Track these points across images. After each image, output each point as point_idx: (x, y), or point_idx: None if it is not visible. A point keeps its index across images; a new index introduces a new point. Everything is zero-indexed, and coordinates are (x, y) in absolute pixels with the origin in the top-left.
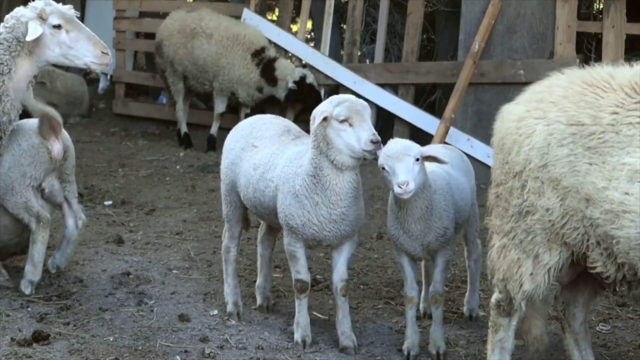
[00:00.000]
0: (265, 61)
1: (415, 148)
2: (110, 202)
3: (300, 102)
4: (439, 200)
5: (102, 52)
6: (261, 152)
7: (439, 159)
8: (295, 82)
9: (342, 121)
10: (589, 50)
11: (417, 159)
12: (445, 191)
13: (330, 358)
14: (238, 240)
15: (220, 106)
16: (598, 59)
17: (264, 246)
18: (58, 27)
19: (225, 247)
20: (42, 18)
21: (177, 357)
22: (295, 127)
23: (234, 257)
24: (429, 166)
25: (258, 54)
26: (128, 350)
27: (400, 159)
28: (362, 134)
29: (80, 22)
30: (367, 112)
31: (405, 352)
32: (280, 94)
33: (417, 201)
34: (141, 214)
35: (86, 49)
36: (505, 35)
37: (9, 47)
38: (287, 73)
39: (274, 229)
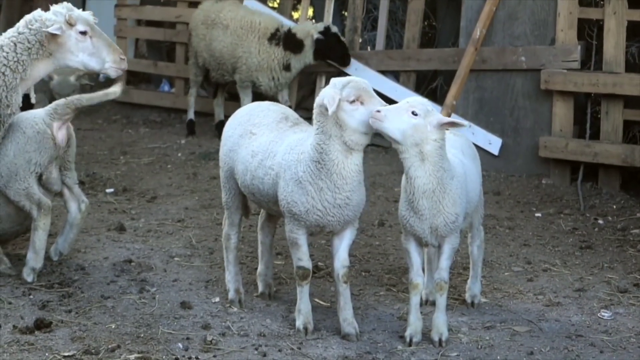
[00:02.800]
0: (282, 36)
1: (419, 106)
2: (111, 190)
3: (328, 56)
4: (456, 186)
5: (120, 57)
6: (259, 140)
7: (457, 122)
8: (320, 32)
9: (352, 101)
10: (590, 36)
11: (415, 113)
12: (462, 180)
13: (332, 345)
14: (238, 228)
15: (245, 100)
16: (599, 45)
17: (265, 233)
18: (84, 33)
19: (226, 234)
20: (69, 24)
21: (179, 344)
22: (293, 114)
23: (235, 244)
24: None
25: (274, 36)
26: (130, 338)
27: (400, 103)
28: (374, 108)
29: (98, 28)
30: (371, 88)
31: (408, 339)
32: (309, 55)
33: (418, 172)
34: (143, 201)
35: (106, 54)
36: (507, 22)
37: (30, 48)
38: (309, 29)
39: (274, 216)
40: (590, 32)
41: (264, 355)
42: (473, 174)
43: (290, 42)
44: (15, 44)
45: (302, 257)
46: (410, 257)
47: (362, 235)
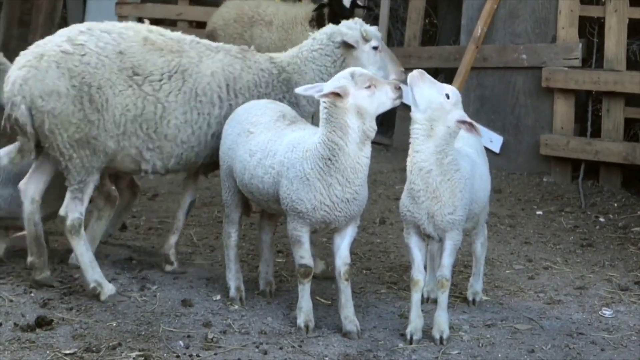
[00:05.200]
0: (317, 15)
1: (454, 94)
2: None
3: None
4: (459, 179)
5: (401, 70)
6: (257, 138)
7: (475, 127)
8: None
9: (368, 87)
10: (591, 34)
11: (447, 96)
12: (468, 177)
13: (332, 342)
14: (239, 225)
15: None
16: (600, 43)
17: (265, 231)
18: (376, 48)
19: (226, 232)
20: (365, 39)
21: (180, 342)
22: (290, 112)
23: (235, 241)
24: (460, 147)
25: (312, 19)
26: (131, 335)
27: (431, 83)
28: (386, 88)
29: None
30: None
31: (408, 336)
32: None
33: (421, 147)
34: (144, 199)
35: (391, 67)
36: (508, 20)
37: (335, 61)
38: None
39: (274, 215)
40: (591, 30)
41: (265, 353)
42: (484, 175)
43: (318, 15)
44: (326, 55)
45: (304, 255)
46: (411, 253)
47: (363, 233)
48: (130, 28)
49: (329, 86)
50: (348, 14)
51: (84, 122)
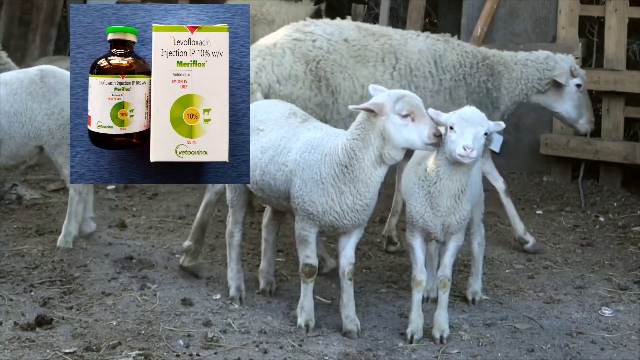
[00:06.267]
0: (316, 11)
1: (488, 123)
2: (112, 187)
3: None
4: (469, 183)
5: (592, 120)
6: (269, 135)
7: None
8: None
9: (404, 116)
10: (591, 34)
11: (486, 134)
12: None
13: (332, 342)
14: (242, 225)
15: None
16: (600, 43)
17: (269, 231)
18: (579, 86)
19: (229, 231)
20: (572, 74)
21: (180, 341)
22: (299, 110)
23: (238, 241)
24: None
25: (311, 17)
26: (131, 335)
27: (474, 126)
28: (424, 128)
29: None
30: (423, 106)
31: (409, 336)
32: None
33: (462, 177)
34: (144, 198)
35: (585, 111)
36: (508, 19)
37: (541, 80)
38: None
39: (279, 214)
40: (591, 30)
41: (265, 352)
42: (474, 171)
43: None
44: (537, 70)
45: (310, 255)
46: (414, 253)
47: (363, 232)
48: (339, 22)
49: (374, 99)
50: (347, 9)
51: (320, 107)
